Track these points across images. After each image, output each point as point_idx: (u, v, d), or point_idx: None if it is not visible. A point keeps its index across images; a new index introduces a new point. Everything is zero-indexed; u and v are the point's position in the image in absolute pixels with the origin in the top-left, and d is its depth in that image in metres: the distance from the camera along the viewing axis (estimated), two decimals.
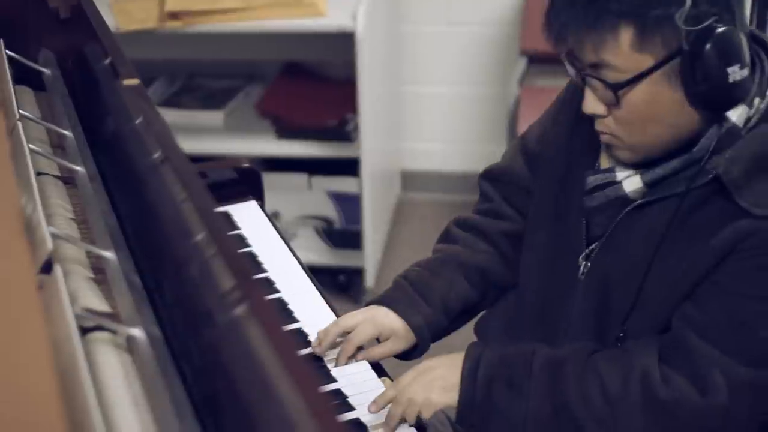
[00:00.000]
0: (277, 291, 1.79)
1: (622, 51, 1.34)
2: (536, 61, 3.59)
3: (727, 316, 1.40)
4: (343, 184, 3.45)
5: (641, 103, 1.37)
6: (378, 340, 1.66)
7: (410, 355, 1.68)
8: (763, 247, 1.36)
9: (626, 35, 1.33)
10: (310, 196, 3.49)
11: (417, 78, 3.85)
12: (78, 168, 1.40)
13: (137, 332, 1.05)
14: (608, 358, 1.49)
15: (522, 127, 3.27)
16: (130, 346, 1.05)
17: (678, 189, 1.43)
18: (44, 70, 1.73)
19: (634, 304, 1.48)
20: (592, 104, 1.42)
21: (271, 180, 3.46)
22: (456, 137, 3.93)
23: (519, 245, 1.73)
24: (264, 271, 1.86)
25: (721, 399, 1.39)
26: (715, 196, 1.39)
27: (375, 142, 3.35)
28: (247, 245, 1.94)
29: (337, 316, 1.73)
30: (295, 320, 1.71)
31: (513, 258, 1.75)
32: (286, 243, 1.96)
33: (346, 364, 1.61)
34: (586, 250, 1.56)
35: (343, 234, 3.47)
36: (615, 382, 1.45)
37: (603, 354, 1.50)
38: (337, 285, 3.43)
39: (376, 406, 1.51)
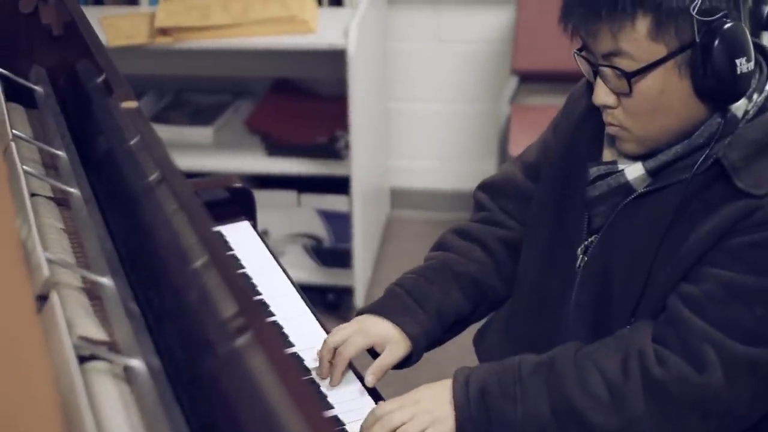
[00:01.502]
0: (271, 314, 1.76)
1: (638, 39, 1.39)
2: (527, 79, 3.58)
3: (721, 291, 1.41)
4: (333, 202, 3.42)
5: (652, 93, 1.42)
6: (372, 352, 1.62)
7: (404, 364, 1.65)
8: (761, 225, 1.39)
9: (643, 23, 1.38)
10: (300, 214, 3.46)
11: (407, 95, 3.83)
12: (73, 190, 1.37)
13: (136, 363, 1.02)
14: (603, 346, 1.49)
15: (513, 146, 3.26)
16: (128, 376, 1.03)
17: (679, 177, 1.47)
18: (36, 87, 1.70)
19: (642, 295, 1.49)
20: (603, 95, 1.47)
21: (260, 197, 3.39)
22: (446, 155, 3.91)
23: (515, 253, 1.73)
24: (258, 293, 1.83)
25: (717, 377, 1.40)
26: (716, 181, 1.43)
27: (365, 160, 3.33)
28: (241, 267, 1.91)
29: None
30: (291, 344, 1.69)
31: (508, 266, 1.74)
32: (280, 264, 1.93)
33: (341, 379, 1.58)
34: (585, 242, 1.57)
35: (333, 252, 3.44)
36: (613, 367, 1.45)
37: (597, 343, 1.50)
38: (326, 304, 3.40)
39: None
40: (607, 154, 1.56)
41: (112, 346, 1.07)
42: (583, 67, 1.50)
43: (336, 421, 1.51)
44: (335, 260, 3.42)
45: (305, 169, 3.31)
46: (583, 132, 1.61)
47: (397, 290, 1.68)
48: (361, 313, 1.68)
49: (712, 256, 1.43)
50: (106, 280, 1.15)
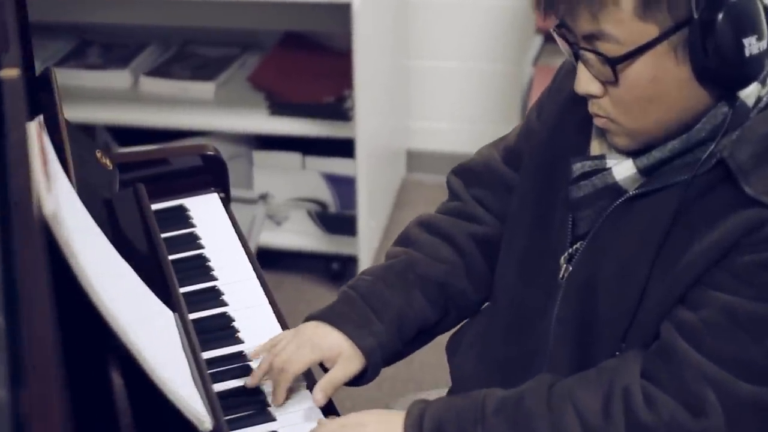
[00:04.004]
0: (224, 304, 1.58)
1: (623, 18, 1.17)
2: (552, 39, 3.34)
3: (723, 319, 1.19)
4: (340, 165, 3.20)
5: (642, 81, 1.20)
6: (323, 367, 1.42)
7: (358, 380, 1.44)
8: None
9: (628, 0, 1.16)
10: (304, 178, 3.25)
11: (425, 52, 3.61)
12: None
13: None
14: (583, 381, 1.27)
15: None
16: None
17: (677, 178, 1.23)
18: None
19: (635, 316, 1.26)
20: (585, 83, 1.24)
21: (262, 159, 3.25)
22: (465, 116, 3.69)
23: (489, 252, 1.51)
24: (213, 278, 1.64)
25: (716, 422, 1.18)
26: (721, 183, 1.20)
27: (373, 122, 3.12)
28: (200, 246, 1.73)
29: None
30: (240, 341, 1.50)
31: (481, 267, 1.53)
32: (245, 245, 1.74)
33: (286, 399, 1.38)
34: (570, 250, 1.35)
35: (338, 219, 3.24)
36: (593, 407, 1.23)
37: (576, 378, 1.28)
38: (331, 273, 3.22)
39: None
40: (596, 146, 1.34)
41: None
42: (564, 48, 1.26)
43: None
44: (341, 227, 3.22)
45: (309, 130, 3.10)
46: (570, 116, 1.38)
47: (352, 294, 1.46)
48: (310, 318, 1.45)
49: (714, 276, 1.20)
50: None
